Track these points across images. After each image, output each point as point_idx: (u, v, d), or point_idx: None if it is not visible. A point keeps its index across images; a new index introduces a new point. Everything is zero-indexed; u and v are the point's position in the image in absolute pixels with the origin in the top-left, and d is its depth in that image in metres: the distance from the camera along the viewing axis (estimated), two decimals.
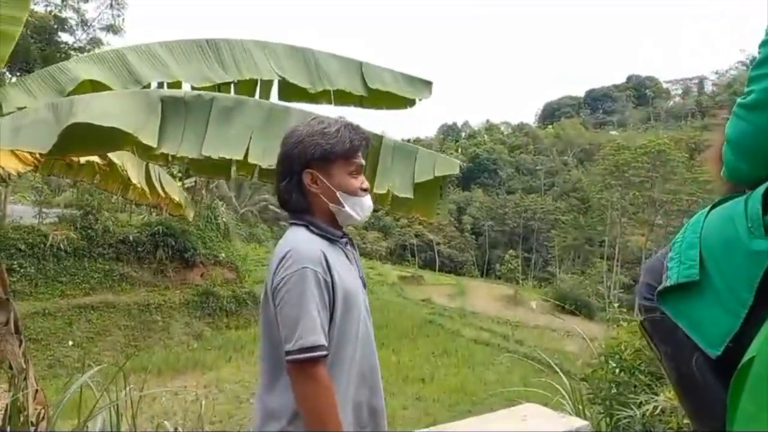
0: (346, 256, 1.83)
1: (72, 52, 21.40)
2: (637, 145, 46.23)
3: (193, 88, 3.81)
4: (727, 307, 1.14)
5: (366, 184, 1.87)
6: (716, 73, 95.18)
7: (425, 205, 3.77)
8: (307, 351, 1.57)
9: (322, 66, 4.14)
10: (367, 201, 1.87)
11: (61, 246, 18.54)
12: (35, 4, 20.83)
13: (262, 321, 1.77)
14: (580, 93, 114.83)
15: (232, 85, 4.09)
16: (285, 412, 1.66)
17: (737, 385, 1.07)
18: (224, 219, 25.79)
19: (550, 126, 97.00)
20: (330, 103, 4.25)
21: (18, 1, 3.63)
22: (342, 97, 4.23)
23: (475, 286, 42.84)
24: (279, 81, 4.14)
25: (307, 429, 1.61)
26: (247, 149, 3.09)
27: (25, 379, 3.79)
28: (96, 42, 23.21)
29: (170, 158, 3.18)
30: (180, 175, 19.53)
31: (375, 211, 1.95)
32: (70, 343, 17.07)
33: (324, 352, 1.60)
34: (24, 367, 3.84)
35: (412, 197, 3.50)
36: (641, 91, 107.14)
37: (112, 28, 23.52)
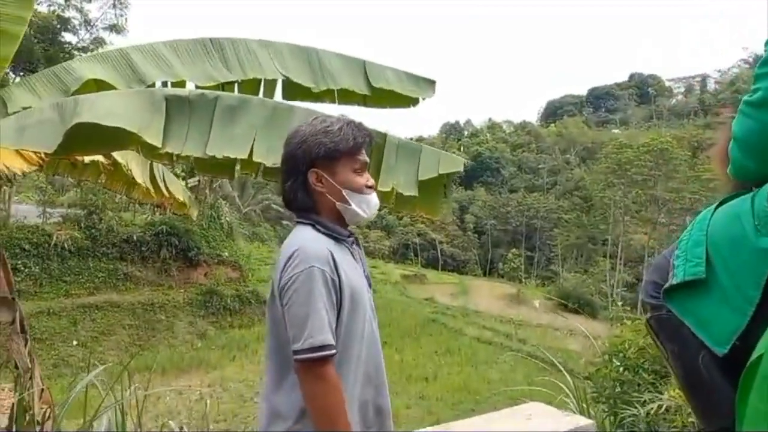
0: (352, 255, 1.83)
1: (75, 52, 21.44)
2: (639, 144, 46.13)
3: (197, 88, 3.81)
4: (734, 305, 1.14)
5: (371, 182, 1.87)
6: (719, 71, 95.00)
7: (430, 203, 3.77)
8: (316, 350, 1.57)
9: (325, 65, 4.14)
10: (374, 198, 1.87)
11: (66, 245, 18.55)
12: (38, 4, 20.85)
13: (268, 320, 1.77)
14: (583, 91, 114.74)
15: (236, 85, 4.10)
16: (292, 412, 1.65)
17: (746, 383, 1.07)
18: (228, 218, 25.80)
19: (552, 124, 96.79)
20: (334, 102, 4.26)
21: (22, 1, 3.64)
22: (346, 96, 4.24)
23: (478, 285, 42.75)
24: (283, 80, 4.15)
25: (315, 428, 1.61)
26: (252, 148, 3.10)
27: (30, 378, 3.80)
28: (99, 42, 23.24)
29: (175, 157, 3.18)
30: (183, 174, 19.57)
31: (379, 209, 1.94)
32: (75, 342, 17.08)
33: (333, 351, 1.60)
34: (30, 366, 3.85)
35: (416, 195, 3.50)
36: (644, 90, 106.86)
37: (115, 28, 23.54)
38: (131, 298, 19.43)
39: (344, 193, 1.79)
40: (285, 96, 4.22)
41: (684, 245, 1.29)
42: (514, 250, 56.62)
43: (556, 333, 26.59)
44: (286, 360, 1.65)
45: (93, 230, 19.62)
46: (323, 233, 1.75)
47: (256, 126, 3.18)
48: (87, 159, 4.84)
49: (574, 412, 3.80)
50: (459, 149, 77.65)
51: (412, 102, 4.39)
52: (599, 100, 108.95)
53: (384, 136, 3.54)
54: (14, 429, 3.61)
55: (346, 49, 4.37)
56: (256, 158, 3.09)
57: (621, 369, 4.33)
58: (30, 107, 3.47)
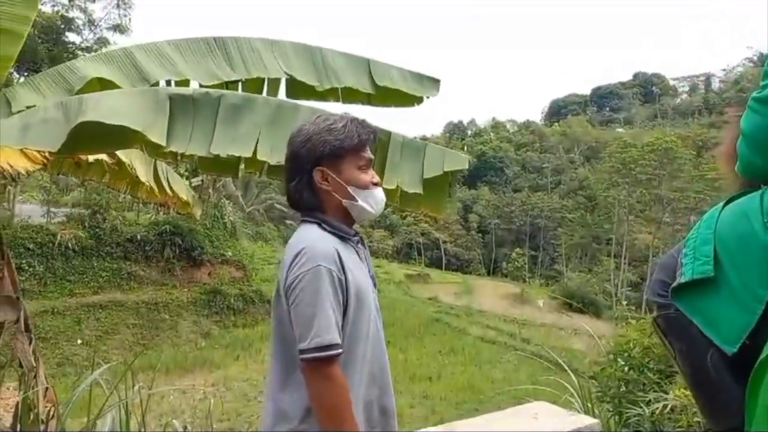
0: (357, 255, 1.82)
1: (79, 52, 21.50)
2: (644, 143, 46.04)
3: (201, 86, 3.81)
4: (743, 304, 1.13)
5: (376, 178, 1.86)
6: (724, 70, 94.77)
7: (434, 201, 3.76)
8: (323, 350, 1.55)
9: (329, 64, 4.13)
10: (380, 194, 1.85)
11: (70, 245, 18.60)
12: (42, 4, 20.92)
13: (273, 319, 1.75)
14: (587, 90, 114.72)
15: (239, 84, 4.09)
16: (297, 412, 1.64)
17: (755, 382, 1.06)
18: (231, 218, 25.83)
19: (556, 124, 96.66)
20: (338, 100, 4.25)
21: (26, 1, 3.64)
22: (350, 95, 4.23)
23: (482, 285, 42.74)
24: (287, 79, 4.15)
25: (320, 428, 1.59)
26: (256, 147, 3.09)
27: (35, 377, 3.81)
28: (103, 42, 23.31)
29: (179, 156, 3.18)
30: (187, 174, 19.59)
31: (385, 207, 1.93)
32: (79, 341, 17.13)
33: (339, 351, 1.58)
34: (34, 365, 3.86)
35: (421, 193, 3.49)
36: (648, 89, 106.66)
37: (119, 28, 23.62)
38: (135, 298, 19.48)
39: (350, 190, 1.77)
40: (289, 95, 4.22)
41: (692, 243, 1.28)
42: (518, 249, 56.64)
43: (560, 332, 26.56)
44: (292, 359, 1.63)
45: (97, 230, 19.68)
46: (329, 232, 1.74)
47: (260, 125, 3.17)
48: (91, 158, 4.83)
49: (579, 412, 3.80)
50: (463, 149, 77.47)
51: (416, 101, 4.38)
52: (603, 99, 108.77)
53: (388, 134, 3.53)
54: (19, 427, 3.62)
55: (348, 49, 4.37)
56: (260, 157, 3.08)
57: (626, 368, 4.31)
58: (34, 106, 3.47)
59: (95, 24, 23.57)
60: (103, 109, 2.98)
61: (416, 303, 31.05)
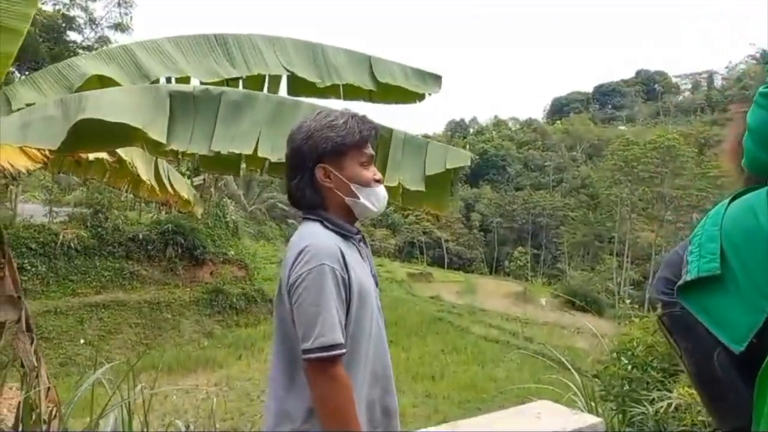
0: (359, 253, 1.80)
1: (80, 51, 21.50)
2: (646, 141, 45.94)
3: (202, 84, 3.80)
4: (750, 302, 1.11)
5: (378, 175, 1.84)
6: (726, 67, 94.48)
7: (437, 199, 3.74)
8: (327, 349, 1.53)
9: (330, 60, 4.11)
10: (382, 191, 1.84)
11: (72, 245, 18.62)
12: (43, 3, 20.96)
13: (276, 318, 1.73)
14: (589, 88, 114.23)
15: (240, 81, 4.08)
16: (300, 412, 1.63)
17: (763, 381, 1.04)
18: (233, 217, 25.85)
19: (558, 121, 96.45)
20: (339, 97, 4.24)
21: None
22: (351, 92, 4.22)
23: (484, 283, 42.73)
24: (288, 76, 4.13)
25: (323, 429, 1.58)
26: (257, 144, 3.07)
27: (37, 377, 3.80)
28: (104, 40, 23.35)
29: (180, 154, 3.17)
30: (189, 173, 19.61)
31: (387, 204, 1.91)
32: (82, 341, 17.15)
33: (343, 351, 1.56)
34: (36, 365, 3.85)
35: (423, 190, 3.47)
36: (650, 86, 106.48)
37: (120, 27, 23.66)
38: (138, 297, 19.50)
39: (353, 188, 1.75)
40: (290, 92, 4.20)
41: (697, 240, 1.26)
42: (520, 248, 56.61)
43: (563, 331, 26.54)
44: (294, 359, 1.62)
45: (99, 229, 19.69)
46: (331, 230, 1.72)
47: (261, 122, 3.16)
48: (91, 156, 4.83)
49: (582, 411, 3.78)
50: (465, 147, 77.00)
51: (418, 97, 4.36)
52: (605, 96, 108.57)
53: (390, 131, 3.51)
54: (21, 428, 3.61)
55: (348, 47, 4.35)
56: (261, 154, 3.06)
57: (629, 367, 4.31)
58: (34, 104, 3.46)
59: (96, 23, 23.63)
60: (103, 106, 2.96)
61: (418, 302, 31.05)
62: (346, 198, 1.76)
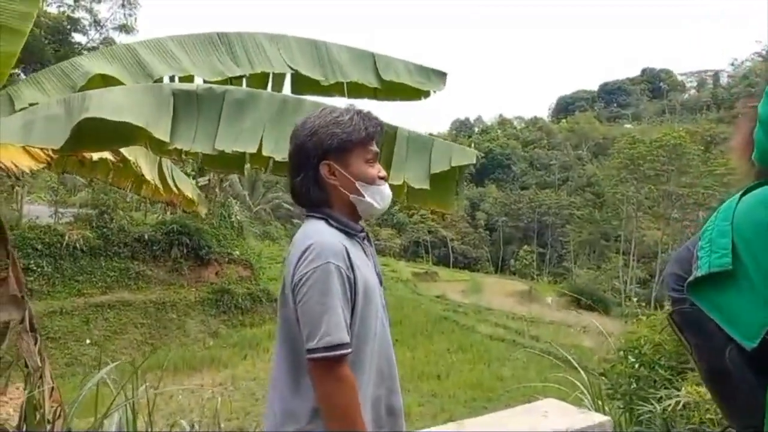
0: (363, 251, 1.78)
1: (85, 52, 21.55)
2: (652, 139, 45.78)
3: (205, 82, 3.78)
4: (763, 297, 1.09)
5: (383, 173, 1.82)
6: (732, 65, 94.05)
7: (442, 197, 3.72)
8: (332, 349, 1.51)
9: (334, 58, 4.09)
10: (386, 189, 1.82)
11: (78, 245, 18.65)
12: (48, 5, 21.03)
13: (280, 318, 1.71)
14: (594, 86, 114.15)
15: (243, 79, 4.06)
16: (304, 412, 1.61)
17: None
18: (238, 217, 25.87)
19: (563, 120, 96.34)
20: (343, 95, 4.21)
21: None
22: (355, 90, 4.19)
23: (490, 282, 42.67)
24: (291, 74, 4.11)
25: (327, 429, 1.56)
26: (261, 142, 3.06)
27: (40, 377, 3.80)
28: (109, 42, 23.44)
29: (183, 153, 3.15)
30: (193, 173, 19.65)
31: (391, 203, 1.89)
32: (88, 341, 17.19)
33: (349, 350, 1.55)
34: (40, 364, 3.85)
35: (428, 188, 3.44)
36: (656, 84, 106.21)
37: (124, 28, 23.77)
38: (143, 297, 19.52)
39: (358, 185, 1.73)
40: (294, 90, 4.19)
41: (708, 236, 1.23)
42: (525, 246, 56.59)
43: (569, 330, 26.43)
44: (299, 358, 1.60)
45: (105, 230, 19.72)
46: (336, 228, 1.70)
47: (265, 120, 3.14)
48: (95, 156, 4.83)
49: (590, 409, 3.76)
50: (470, 146, 76.91)
51: (423, 95, 4.34)
52: (611, 95, 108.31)
53: (394, 129, 3.49)
54: (24, 427, 3.61)
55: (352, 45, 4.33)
56: (265, 153, 3.05)
57: (636, 365, 4.29)
58: (37, 104, 3.44)
59: (101, 24, 23.73)
60: (107, 105, 2.95)
61: (424, 301, 31.01)
62: (351, 196, 1.74)
